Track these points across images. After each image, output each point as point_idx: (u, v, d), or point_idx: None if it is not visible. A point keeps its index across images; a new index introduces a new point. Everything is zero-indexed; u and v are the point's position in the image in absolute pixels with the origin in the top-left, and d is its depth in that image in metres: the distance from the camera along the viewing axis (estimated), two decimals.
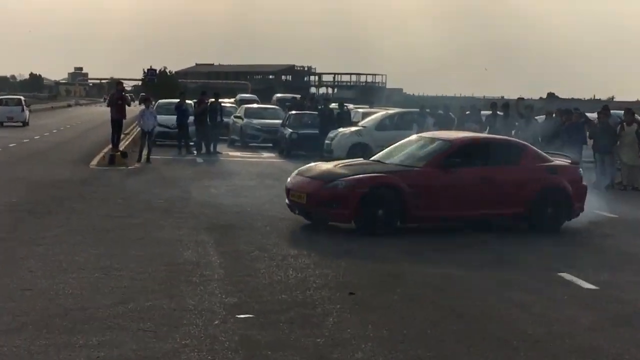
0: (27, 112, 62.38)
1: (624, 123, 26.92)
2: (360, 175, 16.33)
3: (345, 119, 35.79)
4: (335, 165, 17.54)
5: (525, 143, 18.61)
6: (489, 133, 28.46)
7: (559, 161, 18.15)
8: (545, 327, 9.98)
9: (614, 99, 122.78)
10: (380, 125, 32.69)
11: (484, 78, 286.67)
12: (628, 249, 15.91)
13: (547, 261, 14.31)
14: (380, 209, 15.99)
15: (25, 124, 60.68)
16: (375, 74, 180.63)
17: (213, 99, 36.92)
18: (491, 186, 16.76)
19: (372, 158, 18.51)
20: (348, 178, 16.29)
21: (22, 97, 66.91)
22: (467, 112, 30.02)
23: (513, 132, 27.75)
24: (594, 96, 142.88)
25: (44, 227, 15.99)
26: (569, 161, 18.29)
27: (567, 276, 12.93)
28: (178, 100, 37.85)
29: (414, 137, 19.27)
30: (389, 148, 18.60)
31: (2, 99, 65.66)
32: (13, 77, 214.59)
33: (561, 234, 17.05)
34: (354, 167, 17.25)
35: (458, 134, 19.84)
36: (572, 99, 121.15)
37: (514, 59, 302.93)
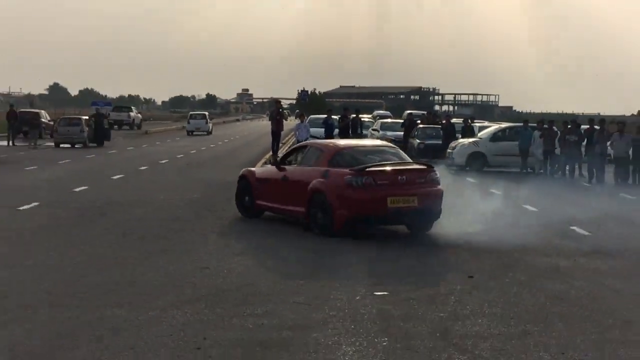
0: (210, 124, 66.86)
1: None
2: None
3: (470, 132, 35.18)
4: None
5: None
6: (586, 144, 28.09)
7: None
8: (638, 310, 9.71)
9: None
10: (494, 137, 32.15)
11: (586, 96, 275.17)
12: None
13: None
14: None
15: (209, 133, 63.49)
16: (489, 94, 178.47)
17: (354, 115, 37.02)
18: None
19: None
20: None
21: (206, 113, 71.36)
22: (569, 126, 29.37)
23: (608, 143, 27.34)
24: None
25: (218, 219, 16.37)
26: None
27: None
28: (325, 115, 38.13)
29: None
30: None
31: (192, 114, 70.04)
32: (193, 97, 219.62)
33: None
34: None
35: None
36: None
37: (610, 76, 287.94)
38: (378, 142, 18.14)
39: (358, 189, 13.77)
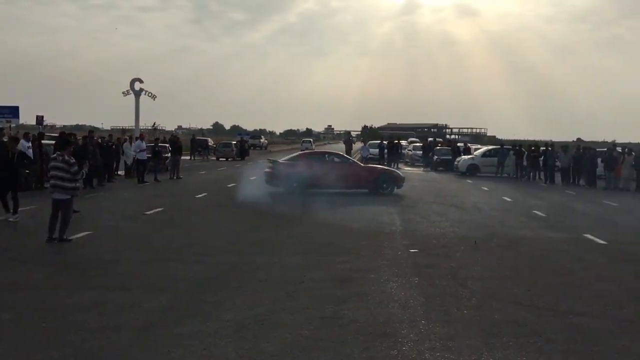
0: (314, 146, 68.86)
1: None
2: None
3: (467, 151, 34.50)
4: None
5: None
6: (543, 159, 27.33)
7: None
8: (577, 263, 9.35)
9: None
10: (484, 154, 31.51)
11: (543, 127, 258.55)
12: None
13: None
14: None
15: None
16: (481, 128, 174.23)
17: (396, 140, 36.65)
18: None
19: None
20: None
21: (312, 139, 74.12)
22: (532, 148, 28.77)
23: (556, 158, 26.57)
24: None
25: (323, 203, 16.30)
26: None
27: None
28: (379, 141, 37.87)
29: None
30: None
31: (304, 140, 74.75)
32: (298, 129, 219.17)
33: None
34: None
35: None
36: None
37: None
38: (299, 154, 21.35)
39: None
